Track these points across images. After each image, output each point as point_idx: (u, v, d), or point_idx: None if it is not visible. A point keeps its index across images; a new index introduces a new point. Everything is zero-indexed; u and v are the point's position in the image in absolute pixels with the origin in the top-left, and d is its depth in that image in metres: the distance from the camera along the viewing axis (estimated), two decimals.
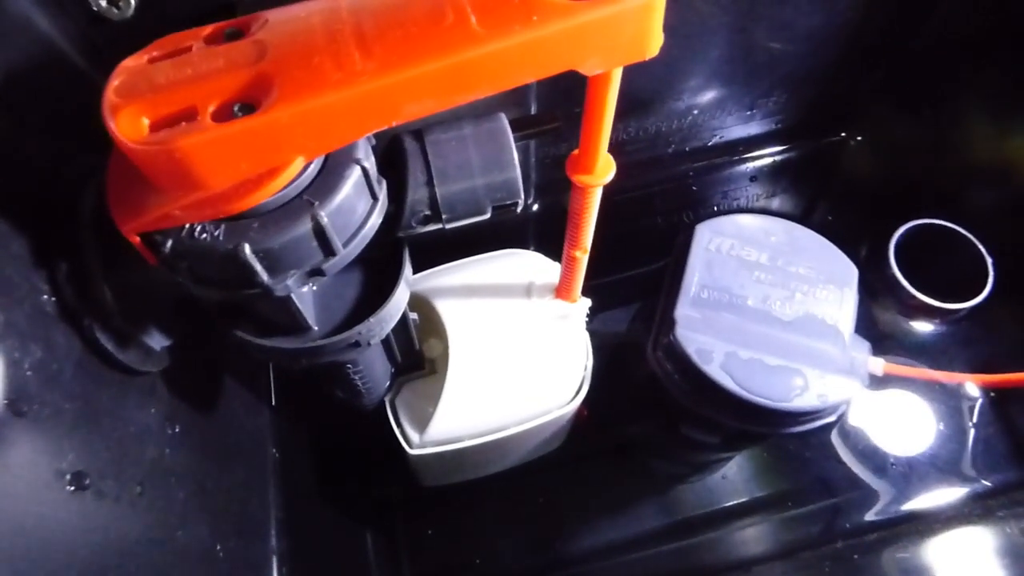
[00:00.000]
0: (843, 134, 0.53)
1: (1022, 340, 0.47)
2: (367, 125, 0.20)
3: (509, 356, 0.39)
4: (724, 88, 0.45)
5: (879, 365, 0.42)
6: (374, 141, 0.26)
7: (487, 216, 0.27)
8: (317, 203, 0.22)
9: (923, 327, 0.49)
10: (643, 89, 0.43)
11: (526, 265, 0.42)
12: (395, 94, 0.20)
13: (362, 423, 0.41)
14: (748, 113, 0.48)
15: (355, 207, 0.23)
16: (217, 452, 0.33)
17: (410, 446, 0.40)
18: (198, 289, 0.23)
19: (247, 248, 0.21)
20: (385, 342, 0.38)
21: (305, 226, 0.22)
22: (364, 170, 0.23)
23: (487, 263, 0.43)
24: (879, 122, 0.53)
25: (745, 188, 0.54)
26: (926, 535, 0.45)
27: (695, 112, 0.46)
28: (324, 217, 0.22)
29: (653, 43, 0.22)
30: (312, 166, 0.23)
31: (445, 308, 0.40)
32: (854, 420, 0.49)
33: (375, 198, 0.24)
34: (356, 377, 0.37)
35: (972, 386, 0.46)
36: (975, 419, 0.46)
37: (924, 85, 0.50)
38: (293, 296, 0.25)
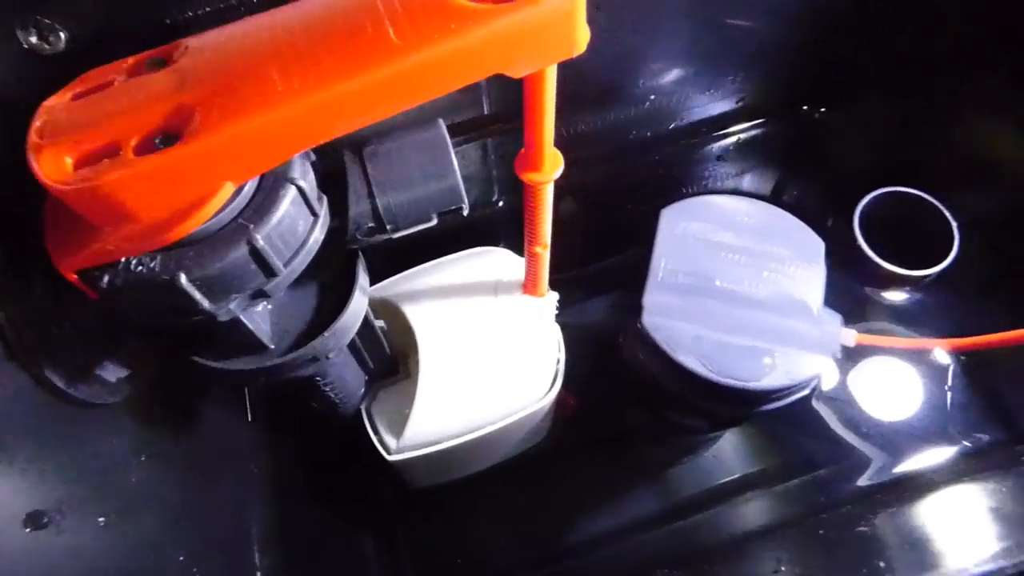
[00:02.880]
0: (805, 108, 0.52)
1: (993, 302, 0.47)
2: (294, 146, 0.20)
3: (480, 355, 0.39)
4: (683, 69, 0.45)
5: (851, 336, 0.42)
6: (313, 157, 0.26)
7: (434, 223, 0.27)
8: (252, 226, 0.22)
9: (895, 295, 0.49)
10: (599, 78, 0.43)
11: (494, 263, 0.42)
12: (318, 113, 0.20)
13: (344, 430, 0.41)
14: (709, 93, 0.48)
15: (294, 226, 0.23)
16: (193, 474, 0.33)
17: (388, 452, 0.40)
18: (143, 320, 0.23)
19: (183, 277, 0.21)
20: (355, 351, 0.38)
21: (241, 250, 0.22)
22: (300, 189, 0.23)
23: (454, 264, 0.43)
24: (844, 95, 0.53)
25: (714, 168, 0.54)
26: (914, 499, 0.45)
27: (652, 97, 0.45)
28: (260, 240, 0.22)
29: (579, 40, 0.22)
30: (247, 188, 0.23)
31: (413, 312, 0.40)
32: (839, 389, 0.49)
33: (315, 215, 0.24)
34: (327, 389, 0.37)
35: (945, 351, 0.46)
36: (951, 382, 0.47)
37: (888, 56, 0.49)
38: (243, 318, 0.25)
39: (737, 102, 0.49)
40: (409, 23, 0.20)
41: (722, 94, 0.48)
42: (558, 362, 0.42)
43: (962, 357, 0.46)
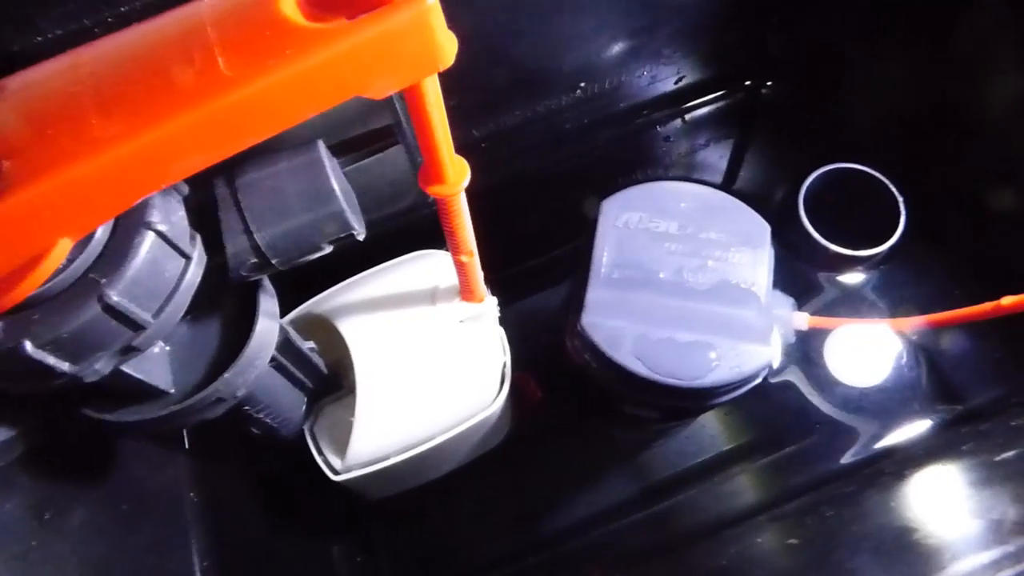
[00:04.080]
0: (749, 83, 0.50)
1: (946, 278, 0.45)
2: (127, 194, 0.18)
3: (420, 365, 0.38)
4: (609, 50, 0.42)
5: (803, 320, 0.41)
6: (186, 190, 0.24)
7: (327, 251, 0.25)
8: (104, 280, 0.20)
9: (848, 275, 0.48)
10: (520, 68, 0.40)
11: (431, 268, 0.40)
12: (146, 157, 0.18)
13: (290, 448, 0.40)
14: (643, 74, 0.45)
15: (159, 273, 0.21)
16: (114, 518, 0.32)
17: (334, 473, 0.38)
18: (8, 387, 0.21)
19: (29, 345, 0.19)
20: (285, 374, 0.37)
21: (92, 308, 0.20)
22: (160, 233, 0.21)
23: (390, 271, 0.41)
24: (784, 66, 0.50)
25: (664, 150, 0.51)
26: (887, 472, 0.45)
27: (582, 84, 0.43)
28: (114, 296, 0.20)
29: (443, 52, 0.20)
30: (99, 235, 0.21)
31: (347, 327, 0.38)
32: (813, 362, 0.48)
33: (186, 256, 0.22)
34: (261, 415, 0.36)
35: (895, 330, 0.45)
36: (905, 359, 0.45)
37: (827, 24, 0.47)
38: (126, 368, 0.23)
39: (676, 82, 0.47)
40: (241, 52, 0.18)
41: (657, 74, 0.46)
42: (504, 366, 0.40)
43: (912, 337, 0.45)
